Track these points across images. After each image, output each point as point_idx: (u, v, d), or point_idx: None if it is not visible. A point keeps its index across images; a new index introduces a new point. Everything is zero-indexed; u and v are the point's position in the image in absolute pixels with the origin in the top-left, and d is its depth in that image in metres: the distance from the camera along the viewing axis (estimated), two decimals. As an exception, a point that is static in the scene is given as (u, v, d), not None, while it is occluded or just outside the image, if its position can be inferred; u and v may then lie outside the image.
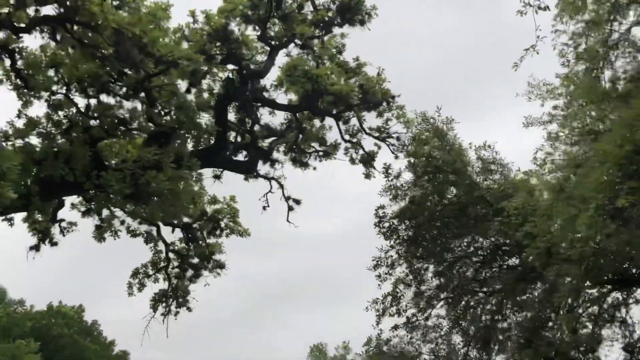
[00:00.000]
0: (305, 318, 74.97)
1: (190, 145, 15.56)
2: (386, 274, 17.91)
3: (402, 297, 17.99)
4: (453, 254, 17.93)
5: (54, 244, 18.57)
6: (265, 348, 68.90)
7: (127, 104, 14.11)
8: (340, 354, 43.56)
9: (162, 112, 14.48)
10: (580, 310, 17.88)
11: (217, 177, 19.50)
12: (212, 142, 16.23)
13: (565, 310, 17.43)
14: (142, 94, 13.80)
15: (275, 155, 18.48)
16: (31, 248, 18.46)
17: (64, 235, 18.49)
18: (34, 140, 14.86)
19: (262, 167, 18.90)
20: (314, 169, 18.41)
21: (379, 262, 17.92)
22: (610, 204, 9.34)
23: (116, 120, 13.79)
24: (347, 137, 16.13)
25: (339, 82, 14.36)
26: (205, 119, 15.98)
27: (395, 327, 17.51)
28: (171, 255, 20.39)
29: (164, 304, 20.16)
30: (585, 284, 16.54)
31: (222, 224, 20.84)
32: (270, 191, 19.37)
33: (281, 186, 19.21)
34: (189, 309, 19.81)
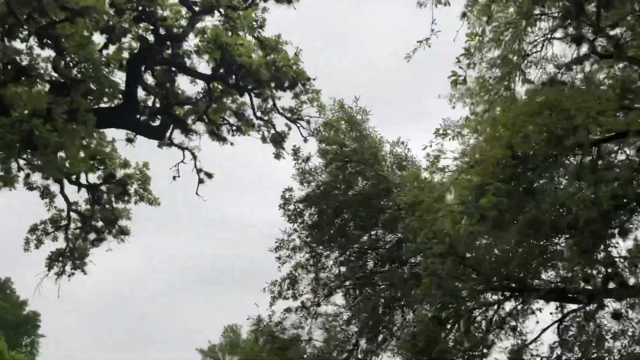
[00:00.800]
0: (220, 298, 74.39)
1: (94, 102, 15.04)
2: (287, 256, 17.87)
3: (300, 281, 17.97)
4: (356, 244, 17.99)
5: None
6: (178, 328, 68.10)
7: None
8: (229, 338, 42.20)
9: (71, 64, 13.95)
10: (478, 315, 18.24)
11: (130, 140, 19.06)
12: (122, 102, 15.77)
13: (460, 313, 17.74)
14: (50, 42, 13.26)
15: (193, 126, 18.21)
16: None
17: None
18: None
19: (178, 137, 18.60)
20: (232, 144, 18.21)
21: (281, 245, 17.86)
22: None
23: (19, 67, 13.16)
24: (259, 114, 15.95)
25: (249, 55, 14.14)
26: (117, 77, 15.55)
27: (288, 310, 17.45)
28: (73, 215, 19.88)
29: (59, 264, 19.64)
30: (482, 288, 16.83)
31: (132, 190, 20.42)
32: (182, 161, 19.07)
33: (194, 157, 18.91)
34: (84, 272, 19.32)
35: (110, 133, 18.95)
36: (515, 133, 9.82)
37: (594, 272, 15.92)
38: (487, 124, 9.98)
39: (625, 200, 12.82)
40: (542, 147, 9.87)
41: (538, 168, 9.79)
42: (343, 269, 18.09)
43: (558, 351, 16.94)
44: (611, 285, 17.46)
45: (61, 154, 13.55)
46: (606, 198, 10.96)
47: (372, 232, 18.00)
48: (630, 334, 16.33)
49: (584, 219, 11.79)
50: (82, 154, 18.41)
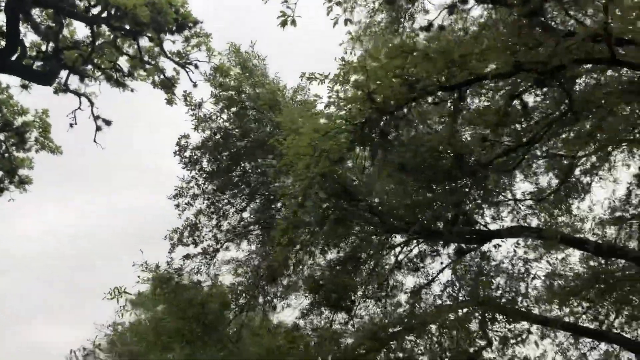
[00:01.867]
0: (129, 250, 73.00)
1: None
2: (186, 204, 17.81)
3: (201, 228, 17.97)
4: (257, 191, 18.05)
5: None
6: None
7: None
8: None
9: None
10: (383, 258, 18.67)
11: (24, 87, 18.50)
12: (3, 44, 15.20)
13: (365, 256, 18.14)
14: None
15: (90, 72, 17.76)
16: None
17: None
18: None
19: (75, 83, 18.14)
20: (132, 90, 17.89)
21: (180, 192, 17.76)
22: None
23: None
24: (147, 58, 15.61)
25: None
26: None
27: (187, 257, 17.48)
28: (-33, 163, 19.29)
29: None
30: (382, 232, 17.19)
31: (31, 138, 19.93)
32: (79, 108, 18.66)
33: (91, 104, 18.52)
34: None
35: (3, 79, 18.34)
36: (377, 78, 9.86)
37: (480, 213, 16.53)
38: (358, 68, 10.00)
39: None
40: (399, 91, 9.96)
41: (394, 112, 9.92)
42: (245, 214, 18.19)
43: (450, 290, 17.66)
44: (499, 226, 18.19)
45: None
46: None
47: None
48: (517, 272, 17.12)
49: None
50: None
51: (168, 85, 15.87)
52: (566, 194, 19.42)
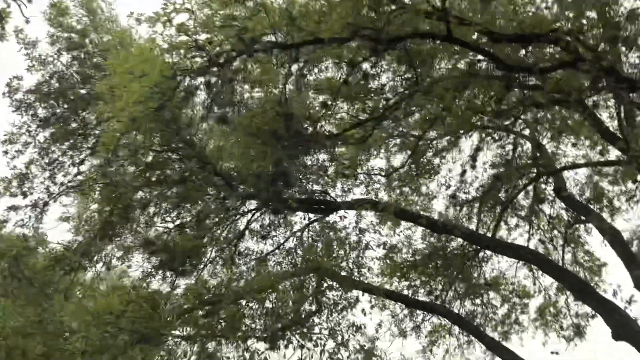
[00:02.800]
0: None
1: None
2: (17, 151, 16.47)
3: (32, 179, 16.71)
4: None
5: None
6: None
7: None
8: None
9: None
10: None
11: None
12: None
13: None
14: None
15: None
16: None
17: None
18: None
19: None
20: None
21: (10, 139, 16.39)
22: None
23: None
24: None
25: None
26: None
27: (14, 208, 16.21)
28: None
29: None
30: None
31: None
32: None
33: None
34: None
35: None
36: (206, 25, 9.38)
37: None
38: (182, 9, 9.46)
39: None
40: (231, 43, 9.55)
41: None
42: (83, 167, 17.12)
43: (295, 255, 17.75)
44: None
45: None
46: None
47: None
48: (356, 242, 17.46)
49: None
50: None
51: (-1, 18, 14.46)
52: (417, 173, 20.05)
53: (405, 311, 18.98)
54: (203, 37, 9.63)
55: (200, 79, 10.07)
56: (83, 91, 15.92)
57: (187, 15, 9.63)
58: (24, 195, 16.62)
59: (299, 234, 17.99)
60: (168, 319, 14.22)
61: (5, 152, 16.37)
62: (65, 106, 15.91)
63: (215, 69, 9.53)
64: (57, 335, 12.81)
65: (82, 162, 17.24)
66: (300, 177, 16.48)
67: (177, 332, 14.24)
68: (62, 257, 16.09)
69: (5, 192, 16.27)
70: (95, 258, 17.17)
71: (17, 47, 15.28)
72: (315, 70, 11.95)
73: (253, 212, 18.06)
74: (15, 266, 13.35)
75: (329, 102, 12.34)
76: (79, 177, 16.95)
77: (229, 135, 13.15)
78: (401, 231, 18.07)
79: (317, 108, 12.94)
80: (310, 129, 12.57)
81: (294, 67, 11.04)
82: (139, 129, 10.09)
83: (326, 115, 12.75)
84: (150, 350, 12.34)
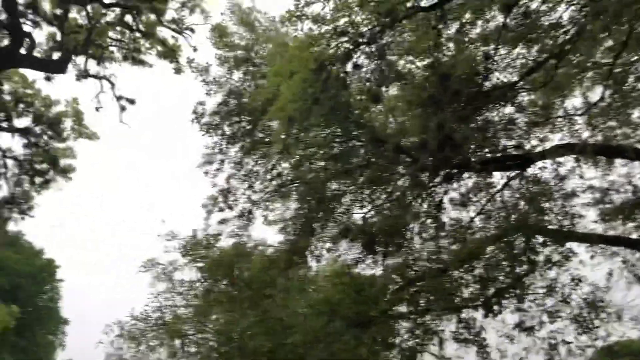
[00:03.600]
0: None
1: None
2: (216, 170, 17.84)
3: (234, 192, 17.97)
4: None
5: None
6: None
7: None
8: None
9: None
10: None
11: (48, 78, 18.95)
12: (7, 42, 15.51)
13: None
14: None
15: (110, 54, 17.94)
16: None
17: None
18: None
19: (94, 67, 18.44)
20: (150, 66, 18.01)
21: (209, 160, 17.79)
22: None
23: None
24: (143, 29, 15.54)
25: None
26: None
27: (224, 221, 17.57)
28: (9, 161, 20.12)
29: (5, 211, 20.05)
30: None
31: (67, 127, 20.50)
32: (101, 91, 18.97)
33: (112, 85, 18.77)
34: (23, 217, 19.73)
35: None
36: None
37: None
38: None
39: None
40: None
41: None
42: (275, 172, 17.99)
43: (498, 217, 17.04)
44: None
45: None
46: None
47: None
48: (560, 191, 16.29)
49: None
50: (7, 98, 18.53)
51: (170, 54, 15.78)
52: (622, 103, 18.17)
53: (638, 255, 17.21)
54: (341, 22, 9.55)
55: (351, 61, 10.00)
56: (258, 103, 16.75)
57: (320, 5, 9.62)
58: (230, 208, 17.97)
59: (499, 194, 17.17)
60: (380, 300, 14.46)
61: (206, 173, 17.83)
62: (247, 118, 16.86)
63: (362, 48, 9.39)
64: (279, 331, 13.59)
65: (273, 167, 18.20)
66: (489, 135, 15.70)
67: (391, 312, 14.41)
68: (274, 258, 17.08)
69: (214, 208, 17.73)
70: (305, 253, 18.01)
71: (192, 76, 16.55)
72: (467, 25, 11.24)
73: (443, 182, 17.64)
74: (232, 273, 14.42)
75: (492, 52, 11.53)
76: (274, 182, 17.93)
77: (393, 110, 12.92)
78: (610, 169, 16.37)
79: (480, 62, 12.18)
80: (476, 86, 11.87)
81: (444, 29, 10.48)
82: (297, 126, 10.29)
83: (492, 66, 11.93)
84: (364, 333, 12.59)
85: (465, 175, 16.99)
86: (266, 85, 10.72)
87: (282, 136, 10.74)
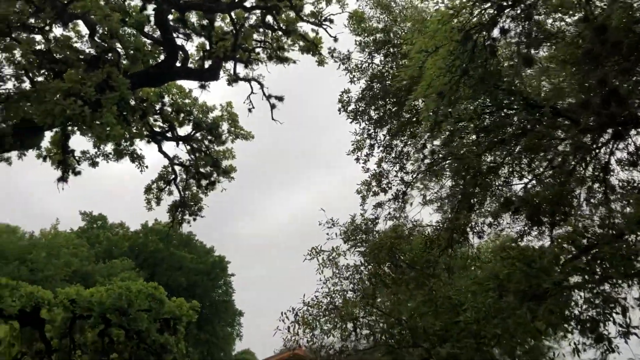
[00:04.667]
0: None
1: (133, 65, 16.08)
2: (366, 155, 18.04)
3: (386, 175, 18.08)
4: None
5: (77, 173, 20.22)
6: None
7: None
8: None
9: (97, 37, 15.00)
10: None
11: (202, 87, 20.21)
12: (163, 58, 16.69)
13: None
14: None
15: (255, 56, 18.81)
16: (58, 180, 20.25)
17: (79, 164, 20.10)
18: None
19: (241, 70, 19.38)
20: (295, 62, 18.65)
21: (358, 146, 18.02)
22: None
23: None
24: (284, 27, 16.00)
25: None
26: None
27: (379, 205, 17.73)
28: (177, 168, 21.71)
29: (178, 214, 21.69)
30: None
31: (224, 130, 21.74)
32: (252, 92, 19.86)
33: (261, 86, 19.60)
34: (194, 218, 21.16)
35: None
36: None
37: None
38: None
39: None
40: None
41: None
42: (426, 151, 17.82)
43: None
44: None
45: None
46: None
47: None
48: None
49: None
50: (169, 109, 20.10)
51: (312, 47, 16.13)
52: None
53: None
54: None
55: (496, 27, 9.64)
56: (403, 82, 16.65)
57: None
58: (384, 191, 18.11)
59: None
60: (552, 271, 13.84)
61: (357, 159, 18.09)
62: (393, 100, 16.84)
63: (507, 12, 9.01)
64: (448, 310, 13.47)
65: (423, 146, 18.05)
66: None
67: (566, 283, 13.74)
68: (434, 237, 16.95)
69: (368, 193, 17.96)
70: (466, 230, 17.68)
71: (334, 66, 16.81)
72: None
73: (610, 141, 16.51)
74: (394, 255, 14.51)
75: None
76: (426, 161, 17.77)
77: (546, 72, 12.26)
78: None
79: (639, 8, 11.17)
80: (636, 35, 10.90)
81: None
82: (445, 100, 10.07)
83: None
84: (539, 306, 12.11)
85: (633, 132, 15.77)
86: (410, 64, 10.60)
87: (431, 113, 10.57)
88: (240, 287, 57.36)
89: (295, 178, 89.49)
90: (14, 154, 16.62)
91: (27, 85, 15.89)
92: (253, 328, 58.93)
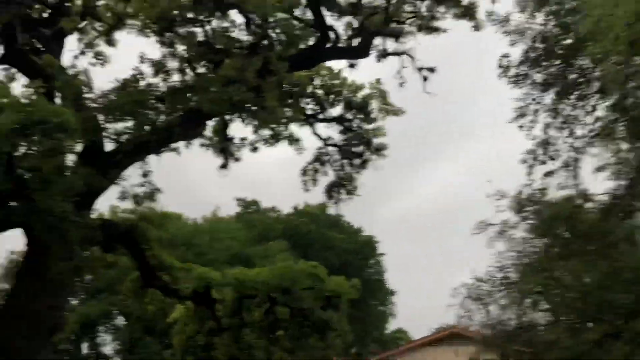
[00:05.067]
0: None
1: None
2: (531, 121, 17.00)
3: (553, 142, 16.97)
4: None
5: (237, 160, 21.11)
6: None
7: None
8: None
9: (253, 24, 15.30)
10: None
11: (352, 66, 20.13)
12: (314, 40, 16.71)
13: None
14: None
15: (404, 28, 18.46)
16: (220, 167, 21.26)
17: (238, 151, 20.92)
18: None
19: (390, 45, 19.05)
20: (445, 31, 18.06)
21: (522, 113, 17.01)
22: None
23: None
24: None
25: None
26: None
27: (549, 174, 16.69)
28: (330, 149, 21.85)
29: (334, 194, 21.89)
30: None
31: (374, 108, 21.58)
32: (403, 66, 19.40)
33: (412, 58, 19.12)
34: (351, 196, 21.20)
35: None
36: None
37: None
38: None
39: None
40: None
41: None
42: (598, 113, 16.49)
43: None
44: None
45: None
46: None
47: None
48: None
49: None
50: (320, 92, 20.34)
51: (469, 12, 15.38)
52: None
53: None
54: None
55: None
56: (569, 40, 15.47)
57: None
58: (552, 159, 16.98)
59: None
60: None
61: (521, 127, 17.08)
62: (558, 61, 15.72)
63: None
64: (637, 282, 12.46)
65: (594, 108, 16.70)
66: None
67: None
68: (611, 205, 15.71)
69: (535, 162, 16.93)
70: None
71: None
72: None
73: None
74: (571, 226, 13.58)
75: None
76: (598, 124, 16.44)
77: None
78: None
79: None
80: None
81: None
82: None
83: None
84: None
85: None
86: (583, 18, 9.68)
87: (614, 70, 9.61)
88: (389, 266, 57.26)
89: (439, 152, 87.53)
90: (181, 144, 17.49)
91: (190, 76, 16.66)
92: (404, 307, 58.79)
